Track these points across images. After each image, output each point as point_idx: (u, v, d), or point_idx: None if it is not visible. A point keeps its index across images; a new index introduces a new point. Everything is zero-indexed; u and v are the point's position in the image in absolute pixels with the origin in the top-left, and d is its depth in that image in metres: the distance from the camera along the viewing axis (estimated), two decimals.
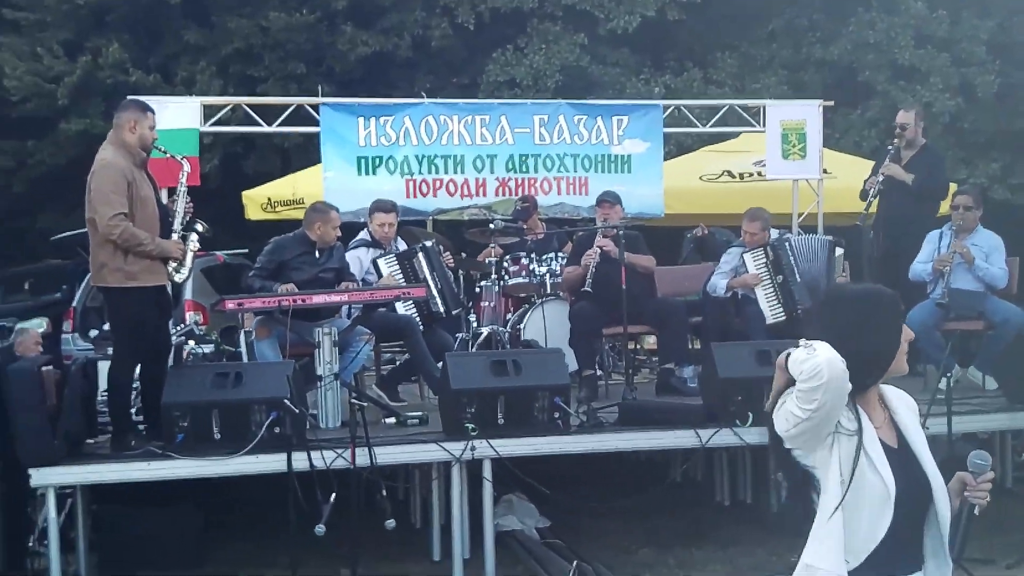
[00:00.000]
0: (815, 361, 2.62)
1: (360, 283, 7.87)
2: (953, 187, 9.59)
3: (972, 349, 8.79)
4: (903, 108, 9.11)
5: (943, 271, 7.91)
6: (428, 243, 8.52)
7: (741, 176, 12.52)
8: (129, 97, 7.30)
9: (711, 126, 11.56)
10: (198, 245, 6.53)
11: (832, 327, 2.81)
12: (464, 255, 10.16)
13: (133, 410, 6.66)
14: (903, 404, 2.93)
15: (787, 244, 8.47)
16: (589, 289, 7.98)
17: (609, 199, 8.44)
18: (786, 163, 10.72)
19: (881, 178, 8.68)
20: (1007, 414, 7.22)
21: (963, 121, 16.73)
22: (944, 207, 9.13)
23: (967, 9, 17.00)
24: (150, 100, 7.11)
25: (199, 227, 6.51)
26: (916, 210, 8.64)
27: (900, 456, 2.80)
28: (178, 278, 6.47)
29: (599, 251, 8.11)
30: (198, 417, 6.12)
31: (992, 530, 7.08)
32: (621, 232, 8.04)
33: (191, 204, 6.59)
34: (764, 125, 10.80)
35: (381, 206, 8.45)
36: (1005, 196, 16.01)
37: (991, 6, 17.06)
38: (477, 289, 9.18)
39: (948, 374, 6.80)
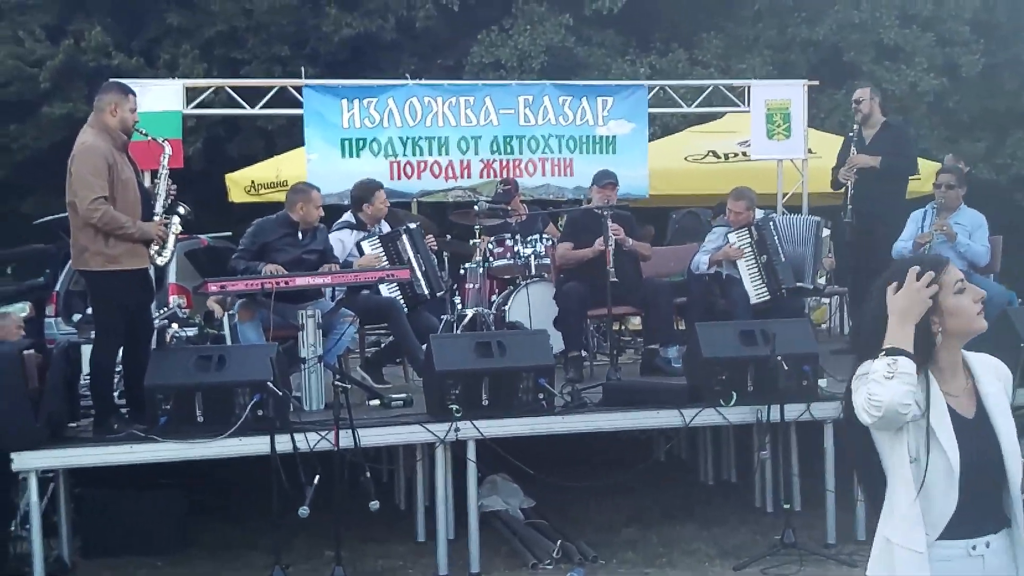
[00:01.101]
0: (879, 398, 2.70)
1: (342, 264, 7.86)
2: (938, 166, 9.61)
3: None
4: (860, 86, 9.12)
5: (924, 248, 7.94)
6: (412, 225, 8.50)
7: (726, 156, 12.53)
8: (110, 79, 7.24)
9: (696, 107, 11.55)
10: (180, 228, 6.50)
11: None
12: (449, 237, 10.16)
13: (116, 393, 6.63)
14: (990, 371, 2.93)
15: (771, 224, 8.47)
16: (615, 278, 7.90)
17: (612, 180, 8.40)
18: (771, 143, 10.69)
19: (855, 171, 8.65)
20: None
21: (948, 100, 16.79)
22: (922, 185, 9.14)
23: None
24: (132, 83, 7.05)
25: (181, 210, 6.48)
26: (886, 189, 8.61)
27: (974, 426, 2.83)
28: (160, 261, 6.45)
29: (614, 239, 8.03)
30: (181, 400, 6.09)
31: None
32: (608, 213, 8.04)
33: (173, 187, 6.55)
34: (749, 105, 10.78)
35: (378, 185, 8.46)
36: (989, 175, 16.06)
37: None
38: (462, 271, 9.17)
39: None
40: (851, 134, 8.90)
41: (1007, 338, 7.03)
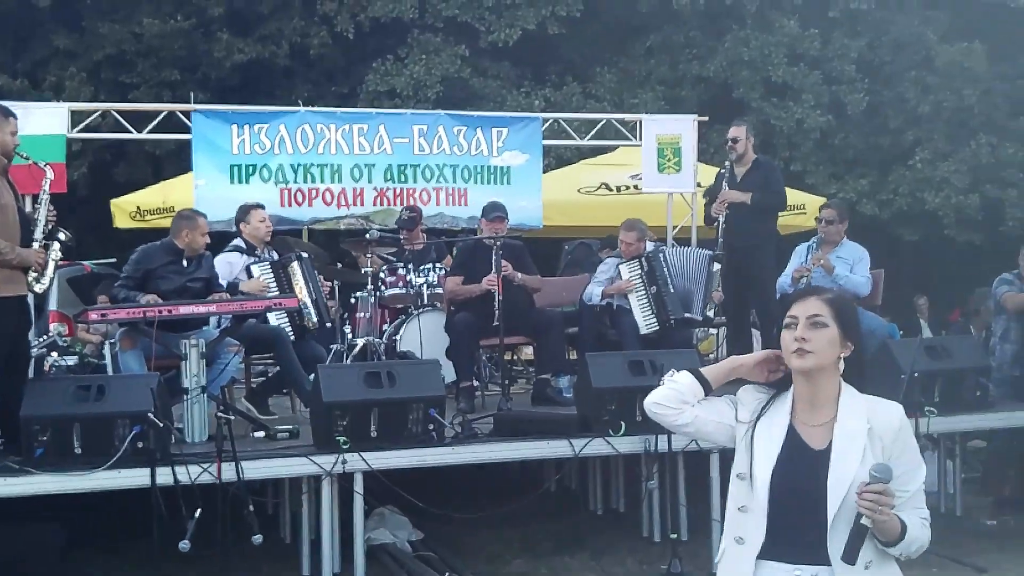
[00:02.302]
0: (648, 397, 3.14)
1: (228, 285, 7.72)
2: (822, 201, 9.81)
3: None
4: (735, 124, 9.23)
5: (801, 281, 8.10)
6: (304, 254, 8.40)
7: (618, 189, 12.67)
8: None
9: (589, 139, 11.67)
10: (60, 255, 6.32)
11: None
12: (340, 265, 10.06)
13: None
14: (862, 412, 2.92)
15: (661, 256, 8.57)
16: (498, 323, 7.88)
17: (501, 213, 8.39)
18: (662, 177, 10.87)
19: (726, 206, 8.73)
20: None
21: (833, 137, 17.22)
22: (807, 220, 9.32)
23: (838, 29, 17.53)
24: (14, 106, 6.85)
25: (61, 236, 6.30)
26: (757, 224, 8.70)
27: (815, 457, 2.87)
28: (38, 288, 6.26)
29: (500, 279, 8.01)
30: (58, 431, 5.89)
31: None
32: (499, 244, 8.04)
33: (54, 212, 6.38)
34: (641, 139, 10.93)
35: (254, 204, 8.36)
36: (873, 211, 16.49)
37: (860, 26, 17.63)
38: (353, 299, 9.07)
39: None
40: (722, 170, 8.97)
41: (888, 370, 7.21)
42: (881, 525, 2.78)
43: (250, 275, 7.95)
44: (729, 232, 8.68)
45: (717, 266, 8.83)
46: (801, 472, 2.86)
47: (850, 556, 2.80)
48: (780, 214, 9.06)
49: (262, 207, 8.37)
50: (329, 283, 8.90)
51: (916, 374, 7.00)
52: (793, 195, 11.20)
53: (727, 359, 3.15)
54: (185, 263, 7.31)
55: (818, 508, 2.84)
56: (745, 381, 3.11)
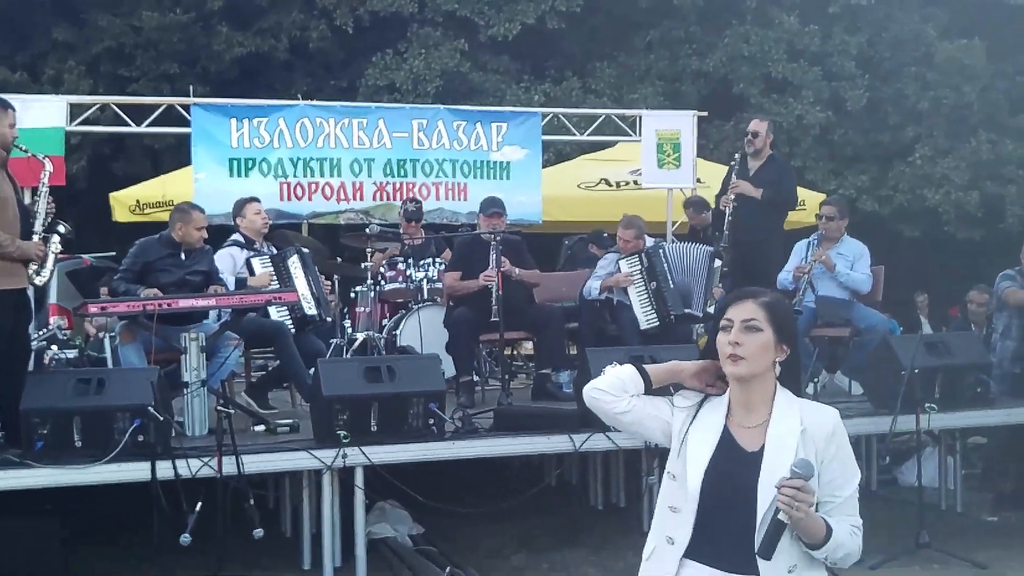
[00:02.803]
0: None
1: (232, 279, 7.71)
2: (822, 197, 9.81)
3: (839, 355, 9.01)
4: (758, 118, 9.24)
5: (802, 278, 8.10)
6: (303, 249, 8.39)
7: (617, 184, 12.66)
8: None
9: (589, 135, 11.67)
10: (60, 247, 6.31)
11: None
12: (340, 260, 10.04)
13: None
14: (794, 416, 2.88)
15: (661, 251, 8.56)
16: (497, 318, 7.86)
17: (499, 209, 8.37)
18: (661, 172, 10.86)
19: (733, 196, 8.76)
20: (871, 418, 7.38)
21: (833, 133, 17.21)
22: (807, 216, 9.32)
23: (838, 24, 17.50)
24: (13, 98, 6.83)
25: (61, 228, 6.28)
26: (765, 221, 8.73)
27: (748, 459, 2.84)
28: (39, 281, 6.24)
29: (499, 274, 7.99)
30: (58, 424, 5.89)
31: None
32: (498, 239, 8.03)
33: (53, 205, 6.36)
34: (640, 135, 10.92)
35: (249, 198, 8.35)
36: (873, 207, 16.48)
37: (860, 22, 17.60)
38: (353, 294, 9.06)
39: (815, 379, 6.95)
40: (733, 163, 8.99)
41: (889, 365, 7.22)
42: (800, 523, 2.72)
43: (251, 269, 7.92)
44: (736, 226, 8.69)
45: (718, 263, 8.82)
46: (733, 474, 2.82)
47: (766, 550, 2.75)
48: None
49: (257, 200, 8.35)
50: (329, 282, 8.89)
51: (916, 370, 6.99)
52: None
53: (670, 361, 3.11)
54: (183, 256, 7.28)
55: (748, 510, 2.80)
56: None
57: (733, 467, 2.84)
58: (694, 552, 2.85)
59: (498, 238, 8.03)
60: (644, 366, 3.05)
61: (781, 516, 2.71)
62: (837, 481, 2.86)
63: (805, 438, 2.84)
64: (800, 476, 2.70)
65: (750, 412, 2.90)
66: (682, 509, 2.88)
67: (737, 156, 8.97)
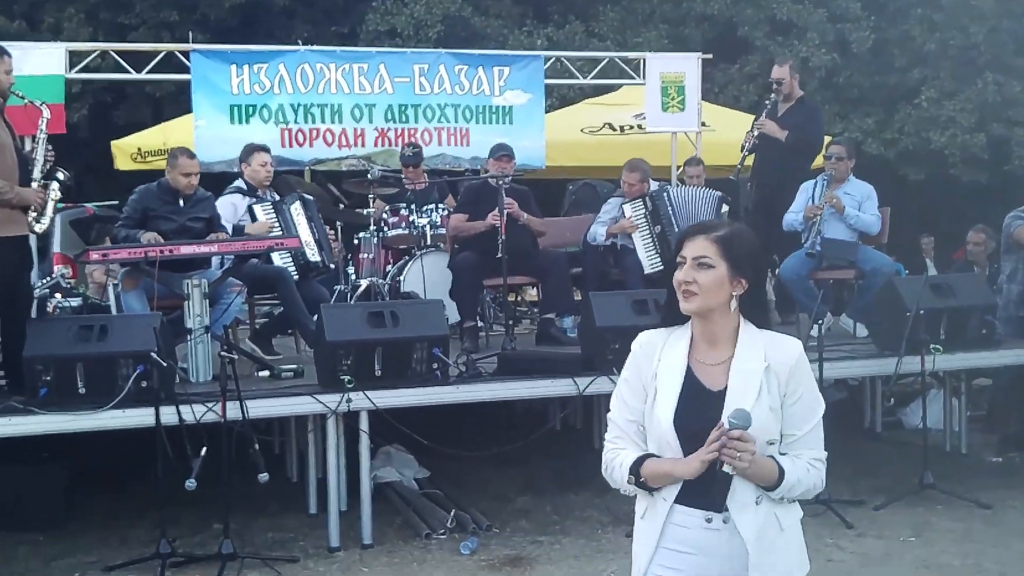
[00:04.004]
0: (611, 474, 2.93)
1: (234, 228, 7.68)
2: (827, 140, 9.73)
3: (844, 297, 8.99)
4: (777, 63, 9.15)
5: (814, 220, 8.05)
6: (306, 195, 8.35)
7: (622, 129, 12.56)
8: None
9: (592, 78, 11.57)
10: (59, 194, 6.29)
11: None
12: (342, 206, 10.00)
13: None
14: (762, 351, 2.83)
15: (665, 195, 8.51)
16: (502, 255, 7.81)
17: (508, 153, 8.31)
18: (665, 116, 10.78)
19: (756, 133, 8.73)
20: (876, 360, 7.39)
21: (838, 76, 17.07)
22: (818, 161, 9.26)
23: None
24: (11, 46, 6.76)
25: (60, 175, 6.26)
26: (789, 164, 8.71)
27: (713, 399, 2.79)
28: (38, 228, 6.23)
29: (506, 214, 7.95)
30: (62, 371, 5.89)
31: (861, 472, 7.30)
32: (506, 183, 8.00)
33: (52, 152, 6.33)
34: (644, 78, 10.82)
35: (260, 147, 8.23)
36: (878, 150, 16.38)
37: None
38: (356, 240, 9.03)
39: (820, 321, 6.93)
40: (767, 103, 8.94)
41: (894, 307, 7.20)
42: (745, 472, 2.70)
43: (253, 216, 7.88)
44: (761, 169, 8.65)
45: (725, 208, 8.77)
46: (699, 414, 2.77)
47: (716, 503, 2.73)
48: None
49: (267, 150, 8.25)
50: (333, 230, 8.85)
51: (921, 312, 6.97)
52: None
53: (667, 463, 2.79)
54: (181, 203, 7.23)
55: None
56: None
57: (699, 407, 2.78)
58: (680, 497, 2.80)
59: (505, 181, 7.98)
60: (642, 468, 2.81)
61: (726, 468, 2.68)
62: (799, 415, 2.81)
63: (768, 374, 2.79)
64: (738, 426, 2.67)
65: (713, 348, 2.85)
66: (665, 453, 2.81)
67: (772, 96, 8.91)
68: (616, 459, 2.86)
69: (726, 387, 2.80)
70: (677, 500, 2.80)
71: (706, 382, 2.82)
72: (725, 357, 2.84)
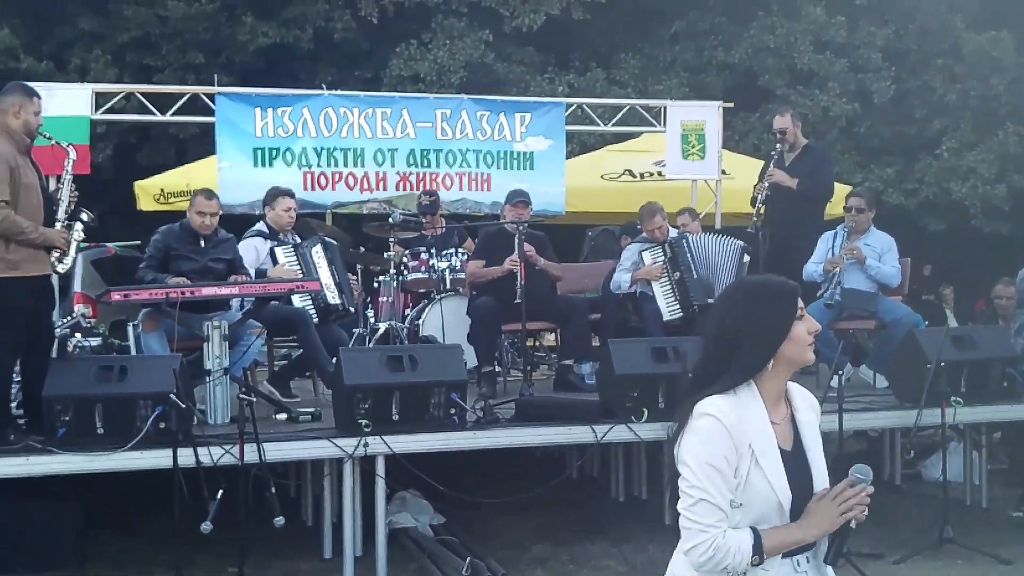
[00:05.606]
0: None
1: (257, 273, 7.72)
2: (848, 189, 9.74)
3: (864, 348, 8.95)
4: (778, 114, 9.18)
5: (833, 272, 8.03)
6: (328, 239, 8.39)
7: (642, 175, 12.61)
8: (13, 81, 7.02)
9: (613, 125, 11.63)
10: (83, 234, 6.32)
11: (724, 313, 2.86)
12: (363, 250, 10.04)
13: (13, 404, 6.40)
14: (806, 403, 2.90)
15: (685, 242, 8.53)
16: (520, 300, 7.85)
17: (524, 199, 8.35)
18: (686, 163, 10.83)
19: (767, 184, 8.74)
20: (896, 412, 7.34)
21: (859, 126, 17.10)
22: (833, 208, 9.26)
23: (864, 16, 17.38)
24: (39, 87, 6.85)
25: (84, 216, 6.30)
26: (802, 212, 8.71)
27: (792, 458, 2.79)
28: (61, 268, 6.26)
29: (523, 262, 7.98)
30: (81, 411, 5.91)
31: (881, 525, 7.22)
32: (523, 228, 8.02)
33: (76, 193, 6.38)
34: (665, 125, 10.87)
35: (285, 191, 8.30)
36: (898, 200, 16.36)
37: (887, 13, 17.48)
38: (375, 284, 9.06)
39: (840, 372, 6.90)
40: (773, 152, 8.96)
41: (915, 359, 7.16)
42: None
43: (274, 258, 7.92)
44: (773, 219, 8.65)
45: (747, 258, 8.77)
46: (793, 477, 2.76)
47: (835, 559, 2.80)
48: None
49: (291, 195, 8.30)
50: (355, 276, 8.89)
51: (942, 364, 6.92)
52: None
53: (794, 531, 2.75)
54: (202, 243, 7.28)
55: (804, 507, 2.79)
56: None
57: (790, 470, 2.77)
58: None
59: (522, 227, 8.01)
60: (764, 546, 2.71)
61: (852, 524, 2.76)
62: None
63: (816, 425, 2.87)
64: (864, 481, 2.76)
65: (777, 404, 2.84)
66: (766, 524, 2.74)
67: (778, 146, 8.94)
68: (726, 543, 2.68)
69: (795, 444, 2.83)
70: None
71: (780, 442, 2.80)
72: (784, 413, 2.85)
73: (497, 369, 8.34)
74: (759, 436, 2.73)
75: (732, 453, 2.70)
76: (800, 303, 2.84)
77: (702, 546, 2.69)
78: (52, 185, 6.77)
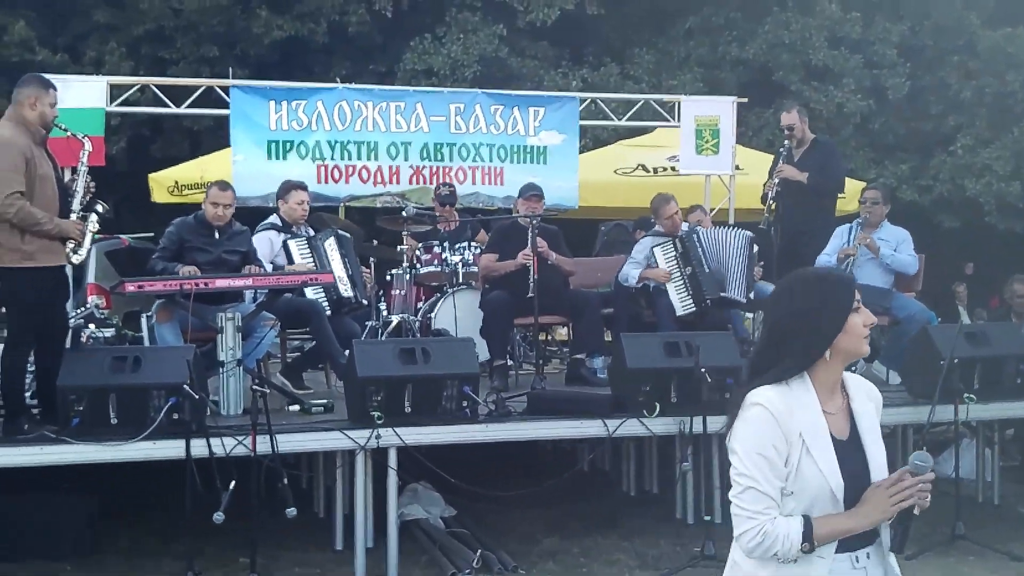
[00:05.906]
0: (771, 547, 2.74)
1: (271, 265, 7.74)
2: (863, 185, 9.70)
3: (877, 344, 8.92)
4: (785, 110, 9.16)
5: (847, 263, 8.02)
6: (341, 232, 8.41)
7: (655, 170, 12.59)
8: (29, 73, 7.05)
9: (627, 120, 11.62)
10: (97, 226, 6.34)
11: (780, 303, 2.89)
12: (376, 243, 10.05)
13: (28, 394, 6.43)
14: (863, 392, 2.91)
15: (695, 236, 8.52)
16: (533, 295, 7.86)
17: (538, 193, 8.35)
18: (699, 158, 10.81)
19: (777, 180, 8.71)
20: (909, 408, 7.31)
21: (874, 122, 17.04)
22: (847, 204, 9.22)
23: (879, 12, 17.33)
24: (54, 78, 6.87)
25: (99, 207, 6.32)
26: (813, 207, 8.68)
27: (849, 447, 2.81)
28: (76, 259, 6.27)
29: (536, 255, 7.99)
30: (94, 401, 5.93)
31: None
32: (536, 223, 8.03)
33: (92, 184, 6.40)
34: (679, 120, 10.86)
35: (298, 184, 8.33)
36: (913, 196, 16.31)
37: (903, 9, 17.41)
38: (388, 277, 9.07)
39: (853, 367, 6.87)
40: (781, 149, 8.94)
41: (928, 355, 7.14)
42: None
43: (288, 251, 7.94)
44: (784, 215, 8.62)
45: (755, 248, 8.76)
46: (849, 466, 2.78)
47: (901, 547, 2.82)
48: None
49: (304, 188, 8.34)
50: (368, 269, 8.91)
51: (956, 360, 6.90)
52: None
53: (847, 520, 2.75)
54: (216, 235, 7.31)
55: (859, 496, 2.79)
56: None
57: (845, 458, 2.78)
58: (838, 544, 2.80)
59: (535, 221, 8.02)
60: (815, 533, 2.72)
61: (916, 511, 2.78)
62: None
63: (875, 410, 2.89)
64: (925, 468, 2.77)
65: (832, 394, 2.85)
66: (819, 513, 2.76)
67: (786, 142, 8.92)
68: (775, 530, 2.71)
69: (851, 433, 2.84)
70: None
71: (835, 431, 2.81)
72: (840, 403, 2.86)
73: (509, 363, 8.33)
74: (809, 425, 2.76)
75: (781, 442, 2.73)
76: (857, 295, 2.84)
77: (750, 532, 2.75)
78: (67, 176, 6.79)
